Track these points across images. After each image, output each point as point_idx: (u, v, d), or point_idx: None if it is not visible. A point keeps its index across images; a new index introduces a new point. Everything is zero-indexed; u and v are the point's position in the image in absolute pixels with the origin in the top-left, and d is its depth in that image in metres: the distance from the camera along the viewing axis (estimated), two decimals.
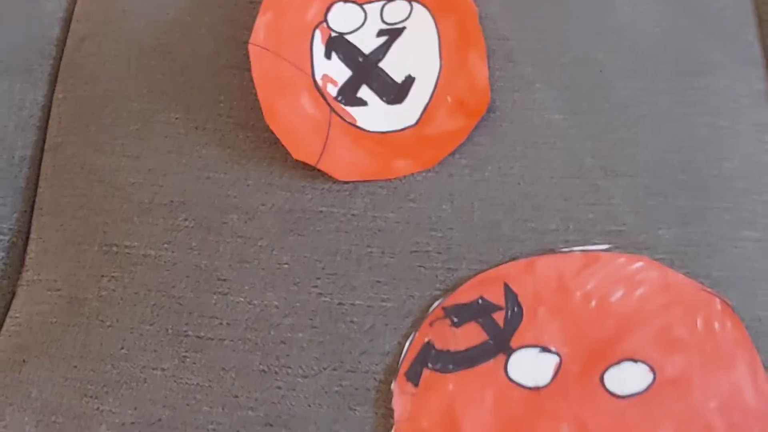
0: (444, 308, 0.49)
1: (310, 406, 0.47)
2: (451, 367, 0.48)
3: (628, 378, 0.47)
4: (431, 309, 0.49)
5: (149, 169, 0.54)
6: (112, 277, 0.51)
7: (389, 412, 0.47)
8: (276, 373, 0.48)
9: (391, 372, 0.48)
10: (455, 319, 0.49)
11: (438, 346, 0.48)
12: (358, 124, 0.55)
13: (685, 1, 0.59)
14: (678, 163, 0.54)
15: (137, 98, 0.56)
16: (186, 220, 0.52)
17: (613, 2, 0.59)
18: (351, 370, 0.48)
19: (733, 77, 0.57)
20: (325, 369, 0.48)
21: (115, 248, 0.52)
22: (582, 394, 0.47)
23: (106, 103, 0.56)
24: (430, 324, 0.49)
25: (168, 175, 0.53)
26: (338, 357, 0.48)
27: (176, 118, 0.55)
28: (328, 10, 0.58)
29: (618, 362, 0.48)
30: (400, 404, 0.47)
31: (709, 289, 0.50)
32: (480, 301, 0.49)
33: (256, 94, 0.55)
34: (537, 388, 0.47)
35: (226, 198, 0.53)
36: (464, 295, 0.50)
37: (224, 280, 0.50)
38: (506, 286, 0.50)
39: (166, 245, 0.51)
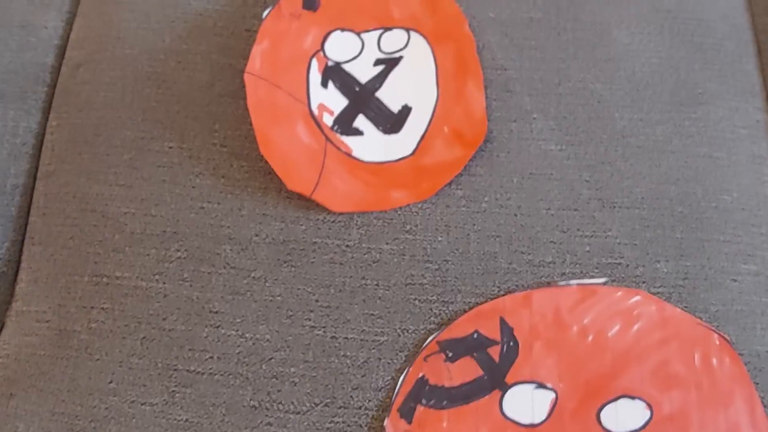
0: (438, 342, 0.49)
1: None
2: (445, 403, 0.48)
3: (624, 415, 0.47)
4: (425, 343, 0.49)
5: (142, 199, 0.54)
6: (102, 308, 0.51)
7: None
8: (267, 409, 0.47)
9: (384, 408, 0.48)
10: (450, 354, 0.49)
11: (432, 381, 0.48)
12: (354, 154, 0.56)
13: (683, 31, 0.60)
14: (676, 195, 0.54)
15: (131, 126, 0.56)
16: (178, 250, 0.52)
17: (610, 33, 0.59)
18: (343, 407, 0.48)
19: (731, 108, 0.57)
20: (317, 405, 0.48)
21: (105, 279, 0.52)
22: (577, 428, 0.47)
23: (100, 131, 0.57)
24: (425, 359, 0.49)
25: (161, 204, 0.54)
26: (330, 392, 0.48)
27: (170, 147, 0.55)
28: (325, 39, 0.58)
29: (615, 399, 0.48)
30: None
31: (706, 324, 0.50)
32: (475, 335, 0.49)
33: (251, 123, 0.55)
34: (533, 426, 0.47)
35: (220, 228, 0.53)
36: (459, 329, 0.50)
37: (216, 312, 0.50)
38: (502, 320, 0.50)
39: (157, 276, 0.51)
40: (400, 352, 0.49)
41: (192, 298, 0.50)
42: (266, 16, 0.57)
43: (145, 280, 0.51)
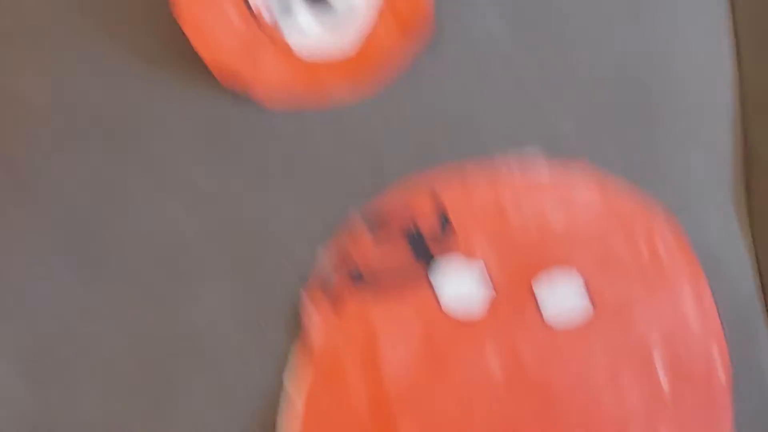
0: (365, 218, 0.47)
1: (209, 322, 0.45)
2: (370, 283, 0.45)
3: (564, 305, 0.45)
4: (353, 223, 0.47)
5: (47, 74, 0.51)
6: (4, 189, 0.48)
7: (300, 329, 0.45)
8: (181, 286, 0.46)
9: (305, 286, 0.46)
10: (377, 231, 0.47)
11: (357, 259, 0.46)
12: (291, 46, 0.53)
13: None
14: (624, 78, 0.51)
15: (51, 18, 0.53)
16: (91, 130, 0.49)
17: None
18: (259, 283, 0.46)
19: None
20: (237, 291, 0.46)
21: (8, 159, 0.49)
22: (514, 323, 0.45)
23: (21, 21, 0.54)
24: (349, 235, 0.46)
25: (67, 77, 0.50)
26: (251, 277, 0.46)
27: (93, 38, 0.52)
28: None
29: (555, 288, 0.45)
30: (313, 320, 0.44)
31: (654, 207, 0.48)
32: (406, 213, 0.47)
33: (179, 14, 0.52)
34: (467, 315, 0.45)
35: (138, 110, 0.50)
36: (388, 205, 0.47)
37: (134, 201, 0.48)
38: (436, 198, 0.47)
39: (66, 156, 0.49)
40: (323, 225, 0.47)
41: (105, 181, 0.48)
42: None
43: (55, 161, 0.49)
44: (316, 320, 0.44)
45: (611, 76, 0.52)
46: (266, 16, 0.53)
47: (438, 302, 0.45)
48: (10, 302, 0.46)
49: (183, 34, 0.51)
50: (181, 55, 0.51)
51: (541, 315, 0.45)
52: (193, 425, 0.43)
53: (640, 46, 0.53)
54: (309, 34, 0.53)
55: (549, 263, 0.46)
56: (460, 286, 0.45)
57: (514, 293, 0.45)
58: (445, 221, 0.47)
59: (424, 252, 0.46)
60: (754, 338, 0.46)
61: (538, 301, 0.45)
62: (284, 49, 0.53)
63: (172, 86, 0.51)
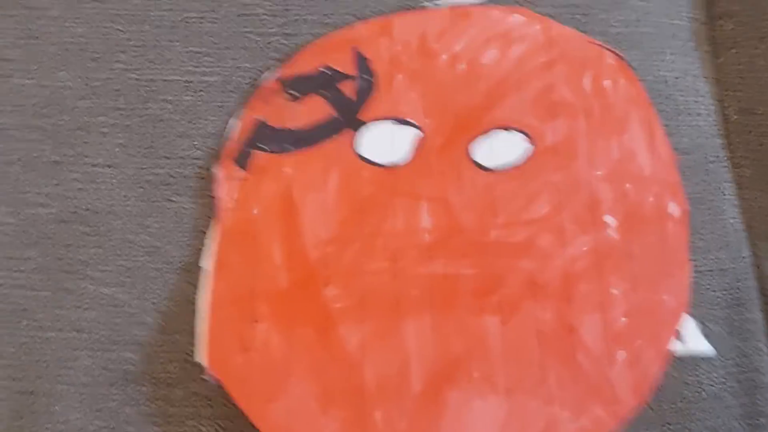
0: (280, 80, 0.42)
1: (114, 198, 0.41)
2: (288, 147, 0.42)
3: (499, 148, 0.41)
4: (263, 81, 0.43)
5: None
6: None
7: (212, 201, 0.41)
8: (72, 164, 0.41)
9: (215, 156, 0.42)
10: (294, 93, 0.42)
11: (273, 124, 0.42)
12: None
13: None
14: None
15: None
16: None
17: None
18: (166, 156, 0.42)
19: None
20: (132, 156, 0.41)
21: None
22: (445, 169, 0.41)
23: None
24: (263, 99, 0.42)
25: None
26: (149, 141, 0.42)
27: None
28: None
29: (489, 131, 0.42)
30: (225, 191, 0.41)
31: (599, 43, 0.44)
32: (324, 70, 0.43)
33: None
34: (393, 166, 0.41)
35: None
36: (304, 63, 0.43)
37: (6, 60, 0.43)
38: (356, 51, 0.43)
39: None
40: (233, 93, 0.42)
41: None
42: None
43: None
44: (230, 192, 0.41)
45: None
46: None
47: (356, 151, 0.41)
48: None
49: None
50: None
51: (473, 159, 0.41)
52: (104, 308, 0.40)
53: None
54: None
55: (485, 115, 0.41)
56: (387, 143, 0.41)
57: (445, 144, 0.42)
58: (366, 72, 0.42)
59: (347, 114, 0.41)
60: (712, 172, 0.44)
61: (472, 152, 0.41)
62: None
63: None
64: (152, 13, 0.43)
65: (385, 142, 0.42)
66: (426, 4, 0.44)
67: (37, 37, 0.43)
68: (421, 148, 0.41)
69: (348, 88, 0.42)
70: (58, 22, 0.43)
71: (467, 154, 0.41)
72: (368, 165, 0.41)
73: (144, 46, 0.43)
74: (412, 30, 0.43)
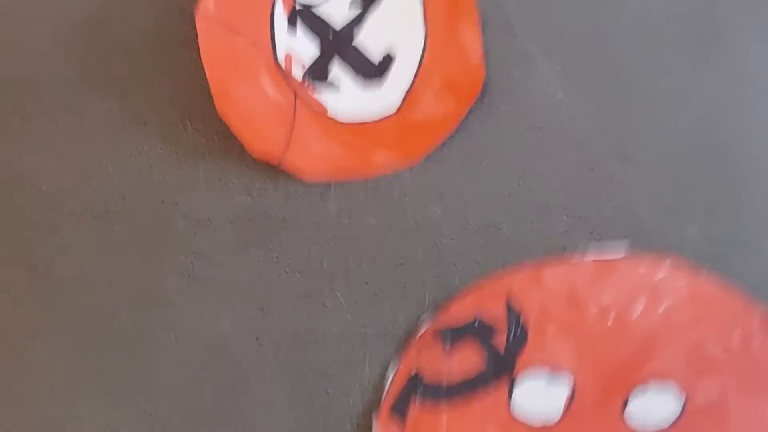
0: (434, 332, 0.44)
1: None
2: (443, 401, 0.42)
3: (653, 408, 0.42)
4: (419, 333, 0.44)
5: (80, 172, 0.48)
6: (37, 303, 0.45)
7: None
8: (230, 413, 0.42)
9: (372, 409, 0.43)
10: (447, 346, 0.44)
11: (427, 378, 0.43)
12: (329, 113, 0.49)
13: None
14: (701, 147, 0.48)
15: (65, 84, 0.50)
16: (124, 232, 0.46)
17: None
18: (324, 410, 0.42)
19: (757, 42, 0.51)
20: (293, 409, 0.42)
21: (41, 269, 0.46)
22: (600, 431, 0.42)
23: (29, 91, 0.50)
24: (418, 352, 0.43)
25: (102, 177, 0.47)
26: (308, 393, 0.43)
27: (110, 109, 0.49)
28: None
29: (642, 388, 0.43)
30: None
31: (746, 299, 0.45)
32: (476, 323, 0.44)
33: (206, 78, 0.48)
34: (546, 427, 0.42)
35: (172, 205, 0.47)
36: (458, 315, 0.44)
37: (170, 305, 0.45)
38: (508, 303, 0.44)
39: (100, 264, 0.46)
40: (390, 345, 0.44)
41: (141, 288, 0.45)
42: None
43: (86, 269, 0.45)
44: None
45: (687, 144, 0.48)
46: (298, 73, 0.49)
47: (511, 410, 0.42)
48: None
49: (211, 105, 0.48)
50: (212, 140, 0.48)
51: (626, 420, 0.42)
52: None
53: (716, 109, 0.50)
54: (345, 91, 0.49)
55: (637, 371, 0.43)
56: (540, 401, 0.42)
57: (598, 401, 0.43)
58: (518, 326, 0.44)
59: (499, 369, 0.43)
60: None
61: (627, 412, 0.42)
62: (319, 112, 0.49)
63: (202, 166, 0.47)
64: (313, 261, 0.45)
65: (538, 399, 0.43)
66: (573, 254, 0.46)
67: (200, 283, 0.45)
68: (573, 405, 0.42)
69: (500, 342, 0.44)
70: (222, 268, 0.45)
71: (621, 414, 0.42)
72: (522, 425, 0.42)
73: (305, 295, 0.45)
74: (561, 280, 0.45)
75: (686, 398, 0.42)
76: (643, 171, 0.48)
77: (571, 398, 0.43)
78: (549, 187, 0.47)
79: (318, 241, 0.46)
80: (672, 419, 0.42)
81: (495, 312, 0.44)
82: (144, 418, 0.43)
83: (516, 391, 0.43)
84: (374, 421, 0.42)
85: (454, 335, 0.44)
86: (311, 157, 0.47)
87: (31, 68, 0.50)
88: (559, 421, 0.42)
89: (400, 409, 0.42)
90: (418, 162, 0.48)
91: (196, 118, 0.48)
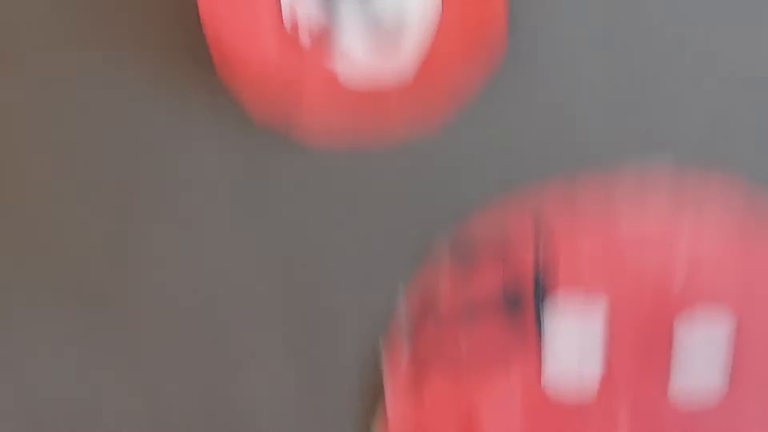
0: (452, 254, 0.40)
1: (268, 409, 0.41)
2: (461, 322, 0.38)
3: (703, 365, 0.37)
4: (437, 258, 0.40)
5: (57, 118, 0.47)
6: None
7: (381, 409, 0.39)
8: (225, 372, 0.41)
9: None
10: (465, 259, 0.39)
11: (442, 301, 0.39)
12: (340, 76, 0.48)
13: None
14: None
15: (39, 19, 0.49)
16: (109, 179, 0.46)
17: None
18: (327, 362, 0.41)
19: None
20: (291, 365, 0.41)
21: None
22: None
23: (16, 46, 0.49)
24: (433, 274, 0.39)
25: (84, 129, 0.47)
26: (307, 348, 0.40)
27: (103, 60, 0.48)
28: None
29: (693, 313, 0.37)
30: (395, 402, 0.38)
31: None
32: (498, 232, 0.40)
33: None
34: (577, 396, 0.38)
35: (165, 163, 0.46)
36: (478, 227, 0.40)
37: (160, 262, 0.44)
38: (539, 229, 0.40)
39: (81, 209, 0.45)
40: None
41: (126, 249, 0.44)
42: None
43: (69, 225, 0.45)
44: (396, 400, 0.38)
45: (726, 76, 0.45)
46: (306, 37, 0.49)
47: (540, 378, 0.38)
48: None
49: (212, 62, 0.47)
50: (209, 87, 0.47)
51: (666, 388, 0.37)
52: None
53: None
54: (356, 56, 0.48)
55: (689, 301, 0.38)
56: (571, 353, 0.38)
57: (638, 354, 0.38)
58: (547, 243, 0.40)
59: (534, 293, 0.39)
60: None
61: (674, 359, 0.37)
62: (328, 77, 0.48)
63: (201, 125, 0.47)
64: (322, 227, 0.43)
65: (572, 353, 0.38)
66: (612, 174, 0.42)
67: (194, 247, 0.43)
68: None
69: (525, 263, 0.40)
70: (219, 232, 0.43)
71: (661, 380, 0.37)
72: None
73: (311, 264, 0.44)
74: (599, 204, 0.41)
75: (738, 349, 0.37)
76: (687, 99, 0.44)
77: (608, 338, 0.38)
78: (586, 125, 0.45)
79: (326, 206, 0.45)
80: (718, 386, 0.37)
81: (521, 230, 0.40)
82: (134, 365, 0.43)
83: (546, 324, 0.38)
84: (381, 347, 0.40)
85: (473, 248, 0.40)
86: (321, 123, 0.47)
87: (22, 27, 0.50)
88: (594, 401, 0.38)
89: (410, 331, 0.39)
90: (436, 126, 0.46)
91: (199, 86, 0.48)
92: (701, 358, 0.37)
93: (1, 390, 0.44)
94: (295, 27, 0.49)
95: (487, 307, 0.39)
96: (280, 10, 0.49)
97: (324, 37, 0.49)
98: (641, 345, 0.37)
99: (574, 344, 0.38)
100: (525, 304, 0.39)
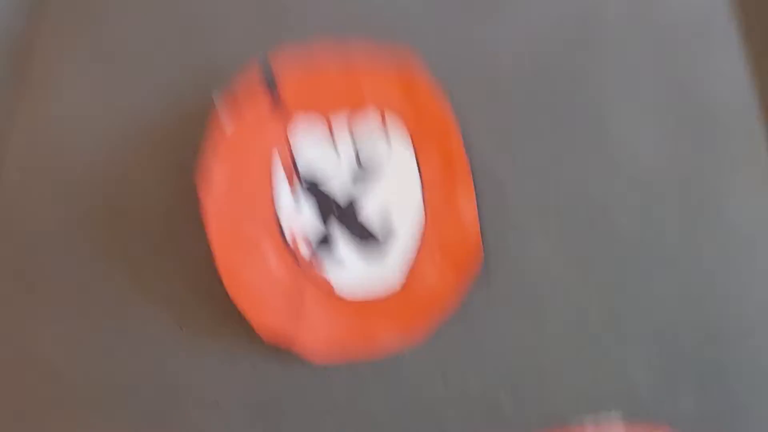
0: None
1: None
2: None
3: None
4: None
5: (88, 349, 0.50)
6: None
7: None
8: None
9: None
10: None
11: None
12: (336, 291, 0.52)
13: (687, 121, 0.58)
14: (694, 317, 0.52)
15: (77, 264, 0.53)
16: (134, 412, 0.49)
17: (608, 131, 0.57)
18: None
19: (746, 203, 0.55)
20: None
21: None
22: None
23: (42, 270, 0.53)
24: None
25: (110, 358, 0.50)
26: None
27: (122, 289, 0.52)
28: (295, 153, 0.55)
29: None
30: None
31: None
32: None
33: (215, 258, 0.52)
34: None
35: (180, 386, 0.49)
36: None
37: None
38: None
39: None
40: None
41: None
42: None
43: None
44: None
45: (680, 313, 0.52)
46: (305, 251, 0.52)
47: None
48: None
49: (220, 286, 0.51)
50: (221, 321, 0.51)
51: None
52: None
53: (707, 275, 0.53)
54: (350, 268, 0.52)
55: None
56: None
57: None
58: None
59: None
60: None
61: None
62: (326, 291, 0.52)
63: (210, 347, 0.50)
64: None
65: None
66: (572, 423, 0.49)
67: None
68: None
69: None
70: None
71: None
72: None
73: None
74: None
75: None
76: (636, 341, 0.51)
77: None
78: (547, 361, 0.51)
79: (326, 421, 0.49)
80: None
81: None
82: None
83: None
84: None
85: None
86: (319, 339, 0.50)
87: (42, 252, 0.53)
88: None
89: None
90: (422, 339, 0.51)
91: (206, 300, 0.51)
92: None
93: None
94: (295, 246, 0.53)
95: None
96: (282, 231, 0.53)
97: (320, 250, 0.53)
98: None
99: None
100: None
